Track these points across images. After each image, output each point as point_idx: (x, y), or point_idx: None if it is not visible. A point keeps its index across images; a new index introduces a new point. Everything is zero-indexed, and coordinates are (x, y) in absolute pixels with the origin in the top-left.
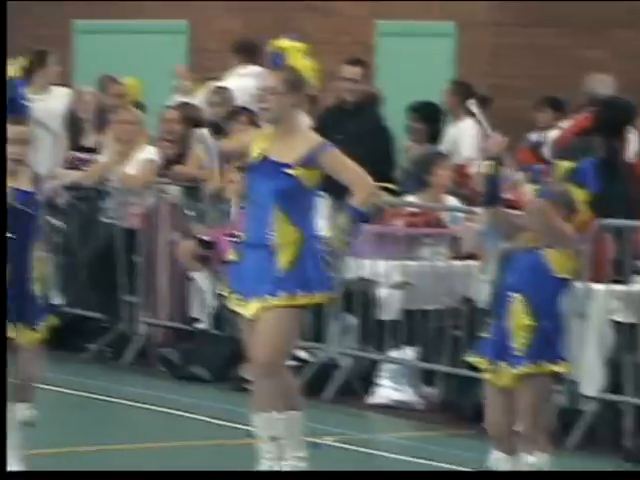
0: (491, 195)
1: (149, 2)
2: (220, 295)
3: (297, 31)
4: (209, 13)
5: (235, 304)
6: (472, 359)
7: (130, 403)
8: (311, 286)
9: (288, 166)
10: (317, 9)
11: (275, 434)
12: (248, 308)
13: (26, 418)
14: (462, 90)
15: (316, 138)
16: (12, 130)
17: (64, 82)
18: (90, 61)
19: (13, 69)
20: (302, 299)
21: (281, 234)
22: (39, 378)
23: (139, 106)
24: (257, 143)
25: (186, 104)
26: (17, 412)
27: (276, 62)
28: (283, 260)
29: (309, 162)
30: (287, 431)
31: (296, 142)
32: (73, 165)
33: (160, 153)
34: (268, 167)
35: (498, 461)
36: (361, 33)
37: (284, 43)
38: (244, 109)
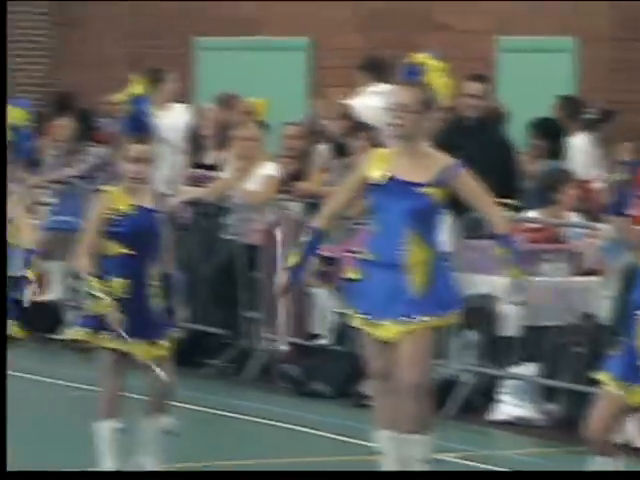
0: (619, 204)
1: (270, 19)
2: (342, 312)
3: (418, 47)
4: (330, 30)
5: (362, 323)
6: (598, 376)
7: (252, 419)
8: (446, 306)
9: (421, 185)
10: (438, 25)
11: (404, 454)
12: (383, 329)
13: (168, 427)
14: (571, 105)
15: (448, 158)
16: (135, 149)
17: (185, 99)
18: (211, 78)
19: (136, 87)
20: (440, 321)
21: (413, 254)
22: (173, 393)
23: (263, 125)
24: (374, 164)
25: (308, 121)
26: (158, 423)
27: (411, 77)
28: (417, 281)
29: (441, 182)
30: (416, 452)
31: (427, 161)
32: (194, 182)
33: (281, 169)
34: (397, 187)
35: (603, 466)
36: (482, 49)
37: (423, 58)
38: (365, 126)
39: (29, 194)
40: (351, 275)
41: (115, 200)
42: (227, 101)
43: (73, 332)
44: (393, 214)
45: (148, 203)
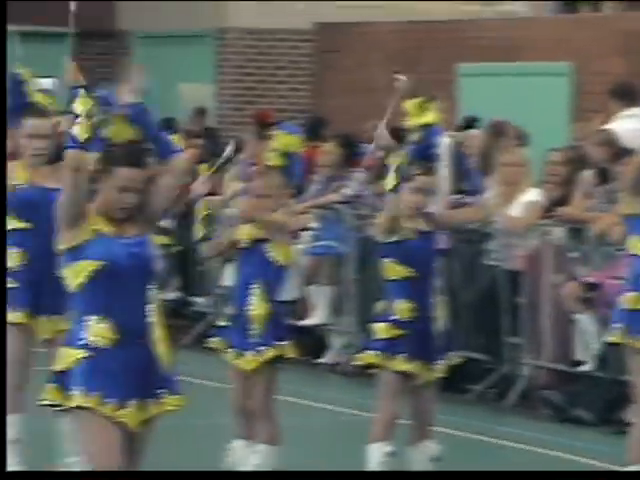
0: None
1: (530, 44)
2: (607, 339)
3: None
4: (591, 55)
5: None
6: None
7: (512, 445)
8: None
9: None
10: None
11: None
12: None
13: (433, 453)
14: None
15: None
16: (419, 180)
17: (448, 125)
18: (472, 104)
19: (429, 116)
20: None
21: None
22: (433, 418)
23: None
24: None
25: (572, 147)
26: (425, 449)
27: None
28: None
29: None
30: None
31: None
32: (457, 207)
33: (544, 195)
34: None
35: None
36: None
37: None
38: (628, 151)
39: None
40: (625, 304)
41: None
42: (497, 127)
43: (363, 356)
44: None
45: (424, 226)
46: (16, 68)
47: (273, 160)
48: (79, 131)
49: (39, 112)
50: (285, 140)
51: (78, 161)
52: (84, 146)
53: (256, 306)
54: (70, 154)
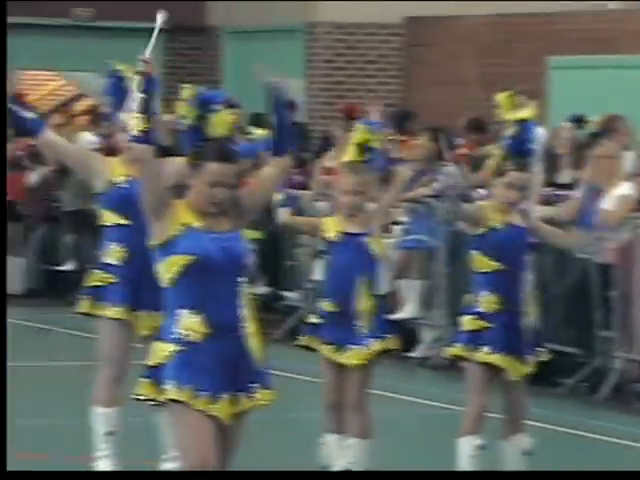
0: None
1: (626, 36)
2: None
3: None
4: None
5: None
6: None
7: (605, 438)
8: None
9: None
10: None
11: None
12: None
13: (526, 446)
14: None
15: None
16: (513, 176)
17: (539, 119)
18: (563, 97)
19: (526, 111)
20: None
21: None
22: (526, 412)
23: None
24: None
25: None
26: (518, 442)
27: None
28: None
29: None
30: None
31: None
32: (549, 201)
33: (637, 188)
34: None
35: None
36: None
37: None
38: None
39: (384, 212)
40: None
41: (490, 216)
42: (614, 122)
43: (451, 349)
44: None
45: (518, 221)
46: (115, 64)
47: (353, 155)
48: (135, 124)
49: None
50: (365, 134)
51: (140, 153)
52: (143, 139)
53: (362, 301)
54: (133, 148)
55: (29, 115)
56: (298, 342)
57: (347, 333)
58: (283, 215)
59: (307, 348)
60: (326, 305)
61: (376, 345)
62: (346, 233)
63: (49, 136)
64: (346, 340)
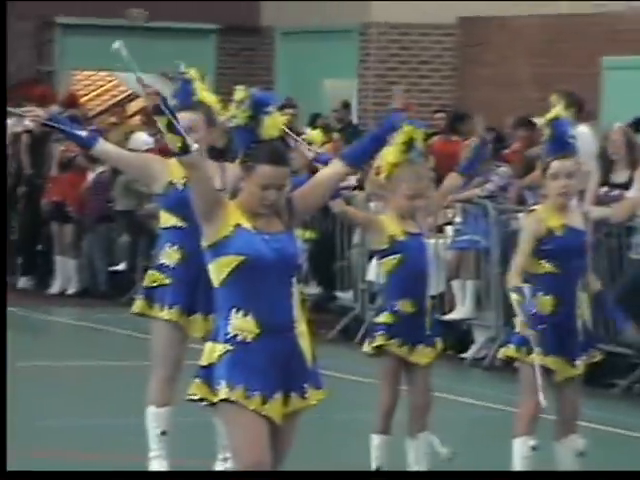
0: None
1: None
2: None
3: None
4: None
5: None
6: None
7: None
8: None
9: None
10: None
11: None
12: None
13: (580, 448)
14: None
15: None
16: (556, 165)
17: (593, 118)
18: (618, 97)
19: (559, 109)
20: None
21: None
22: (579, 413)
23: None
24: None
25: None
26: (572, 443)
27: None
28: None
29: None
30: None
31: None
32: (603, 201)
33: None
34: None
35: None
36: None
37: None
38: None
39: (435, 213)
40: None
41: (545, 219)
42: None
43: (504, 350)
44: None
45: (578, 224)
46: (182, 67)
47: (398, 153)
48: (171, 142)
49: (189, 107)
50: (409, 134)
51: (189, 160)
52: (183, 153)
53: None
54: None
55: (81, 133)
56: (371, 343)
57: (420, 332)
58: (337, 206)
59: (378, 350)
60: (403, 305)
61: (440, 344)
62: (410, 233)
63: (104, 148)
64: (418, 340)
